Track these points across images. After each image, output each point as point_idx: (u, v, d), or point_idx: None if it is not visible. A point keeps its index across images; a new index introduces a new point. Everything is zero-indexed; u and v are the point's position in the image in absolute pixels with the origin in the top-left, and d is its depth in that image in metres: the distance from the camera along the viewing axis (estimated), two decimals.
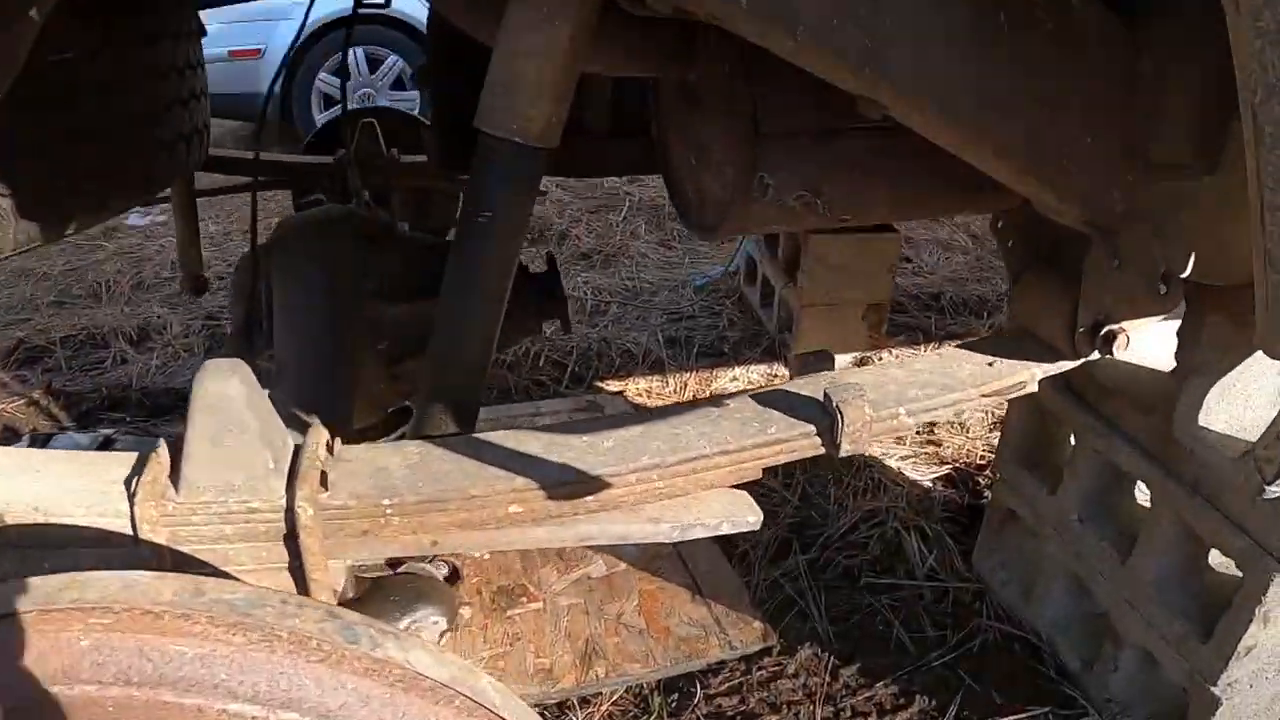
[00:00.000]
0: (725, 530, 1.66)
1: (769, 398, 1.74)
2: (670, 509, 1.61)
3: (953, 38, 1.50)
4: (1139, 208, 1.88)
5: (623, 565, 3.25)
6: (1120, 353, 1.98)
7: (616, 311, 5.33)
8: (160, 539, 1.39)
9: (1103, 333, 1.98)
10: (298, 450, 1.47)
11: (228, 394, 1.41)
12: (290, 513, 1.41)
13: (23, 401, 4.65)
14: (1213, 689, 2.39)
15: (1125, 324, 1.98)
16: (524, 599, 3.08)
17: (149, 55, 2.38)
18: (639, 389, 4.58)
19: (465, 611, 2.99)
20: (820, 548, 3.42)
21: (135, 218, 6.64)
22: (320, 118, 9.20)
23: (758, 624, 3.04)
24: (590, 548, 3.27)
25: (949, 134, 1.61)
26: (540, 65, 1.50)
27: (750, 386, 4.39)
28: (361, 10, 3.69)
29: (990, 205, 2.21)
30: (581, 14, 1.50)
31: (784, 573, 3.29)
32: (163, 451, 1.44)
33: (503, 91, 1.51)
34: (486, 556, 3.19)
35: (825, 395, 1.68)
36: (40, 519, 1.42)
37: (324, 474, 1.45)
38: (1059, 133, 1.71)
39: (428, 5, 3.19)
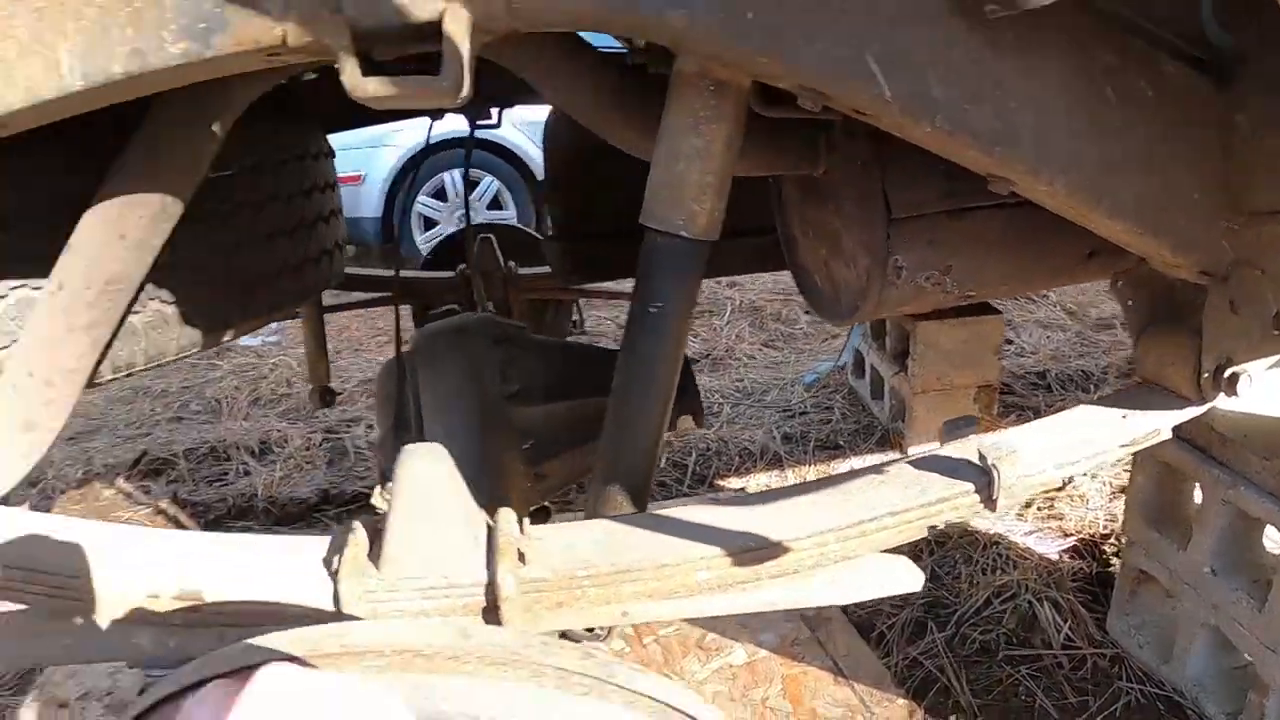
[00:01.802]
0: (891, 591, 1.73)
1: (924, 463, 1.82)
2: (840, 574, 1.69)
3: (1071, 111, 1.60)
4: (1247, 254, 1.92)
5: (763, 652, 3.29)
6: (1245, 391, 2.02)
7: (730, 412, 5.40)
8: (361, 614, 1.47)
9: (1226, 375, 2.03)
10: (490, 530, 1.57)
11: (431, 476, 1.53)
12: (492, 586, 1.49)
13: (149, 510, 4.85)
14: None
15: (1246, 365, 2.04)
16: None
17: (294, 174, 2.53)
18: (760, 485, 4.63)
19: None
20: (955, 624, 3.45)
21: (247, 338, 6.86)
22: (420, 239, 9.55)
23: (902, 701, 3.06)
24: (727, 636, 3.34)
25: (1071, 203, 1.70)
26: (701, 165, 1.61)
27: None
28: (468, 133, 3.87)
29: (1107, 268, 2.29)
30: (734, 115, 1.60)
31: (922, 651, 3.33)
32: (360, 532, 1.54)
33: (667, 190, 1.62)
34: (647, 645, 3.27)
35: (979, 454, 1.76)
36: (241, 597, 1.52)
37: (520, 551, 1.54)
38: (1169, 191, 1.78)
39: (545, 125, 3.37)
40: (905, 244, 1.99)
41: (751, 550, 1.60)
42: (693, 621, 3.37)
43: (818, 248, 2.28)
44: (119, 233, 1.75)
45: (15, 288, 1.99)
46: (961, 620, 3.47)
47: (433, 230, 9.86)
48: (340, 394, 5.77)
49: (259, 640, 1.13)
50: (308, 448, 5.49)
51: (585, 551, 1.60)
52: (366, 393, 6.24)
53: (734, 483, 4.67)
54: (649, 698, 1.10)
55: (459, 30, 1.22)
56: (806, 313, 6.74)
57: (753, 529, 1.62)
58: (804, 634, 3.35)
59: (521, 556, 1.54)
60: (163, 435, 5.82)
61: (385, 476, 2.76)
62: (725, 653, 3.30)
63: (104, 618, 1.53)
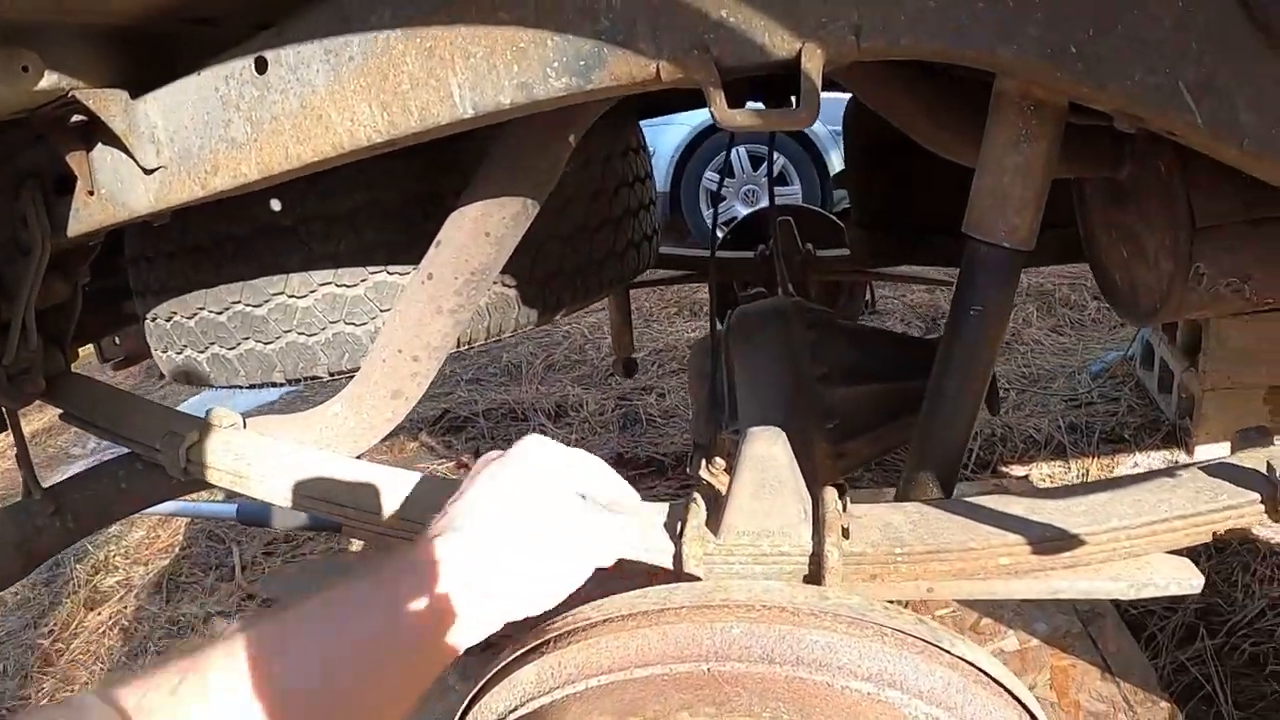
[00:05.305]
0: (1173, 591, 1.81)
1: (1214, 470, 1.86)
2: (1126, 569, 1.77)
3: None
4: None
5: (1034, 641, 3.35)
6: None
7: (1016, 398, 5.39)
8: (700, 574, 1.63)
9: None
10: (817, 505, 1.70)
11: (772, 454, 1.69)
12: (818, 557, 1.62)
13: (452, 464, 5.25)
14: None
15: None
16: None
17: (617, 168, 2.74)
18: (1042, 474, 4.65)
19: None
20: (1227, 633, 3.42)
21: None
22: (707, 213, 9.81)
23: (1165, 704, 3.07)
24: (1002, 622, 3.43)
25: None
26: (1023, 179, 1.71)
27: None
28: None
29: None
30: (1053, 133, 1.69)
31: (1190, 656, 3.32)
32: (700, 501, 1.70)
33: (990, 204, 1.73)
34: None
35: (1269, 466, 1.80)
36: None
37: (844, 526, 1.67)
38: None
39: (845, 116, 3.46)
40: (1207, 251, 2.01)
41: (1049, 541, 1.69)
42: (969, 604, 3.46)
43: (1119, 248, 2.32)
44: (484, 230, 1.96)
45: (374, 273, 2.29)
46: (1234, 629, 3.44)
47: (719, 206, 10.00)
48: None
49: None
50: (602, 413, 5.74)
51: (901, 530, 1.72)
52: (658, 363, 6.50)
53: (1017, 470, 4.69)
54: (969, 663, 1.25)
55: (814, 66, 1.35)
56: (1096, 298, 6.61)
57: (1054, 521, 1.71)
58: (1076, 627, 3.39)
59: (845, 532, 1.67)
60: (463, 395, 6.19)
61: (698, 446, 2.93)
62: (999, 638, 3.38)
63: None
